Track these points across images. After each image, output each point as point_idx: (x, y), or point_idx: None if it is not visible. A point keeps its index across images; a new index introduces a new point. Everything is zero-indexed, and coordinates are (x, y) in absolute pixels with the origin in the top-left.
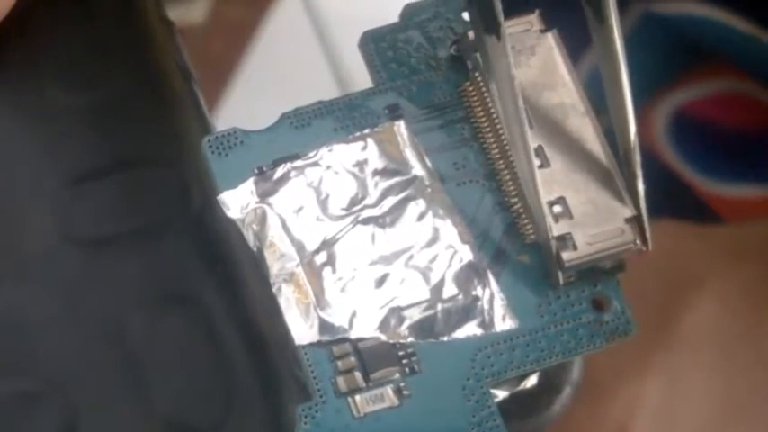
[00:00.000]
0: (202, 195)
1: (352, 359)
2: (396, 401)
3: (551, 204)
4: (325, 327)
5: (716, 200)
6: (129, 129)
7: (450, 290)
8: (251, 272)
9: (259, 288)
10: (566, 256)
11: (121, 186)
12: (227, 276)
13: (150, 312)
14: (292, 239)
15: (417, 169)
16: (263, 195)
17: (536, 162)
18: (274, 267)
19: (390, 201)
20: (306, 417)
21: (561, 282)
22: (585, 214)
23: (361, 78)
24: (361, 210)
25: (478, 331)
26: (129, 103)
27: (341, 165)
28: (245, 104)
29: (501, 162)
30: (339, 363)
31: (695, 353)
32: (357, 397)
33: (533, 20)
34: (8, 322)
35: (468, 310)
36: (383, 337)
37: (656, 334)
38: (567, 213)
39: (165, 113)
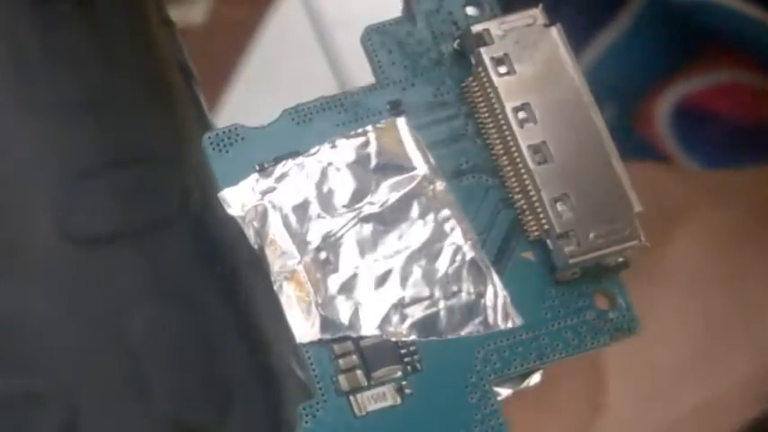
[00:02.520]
0: (202, 194)
1: (354, 357)
2: (398, 400)
3: (555, 200)
4: (326, 325)
5: None
6: (130, 128)
7: (452, 287)
8: (251, 270)
9: (259, 286)
10: (570, 252)
11: (121, 185)
12: (227, 275)
13: (150, 311)
14: (293, 237)
15: (420, 165)
16: (264, 192)
17: (539, 158)
18: (275, 265)
19: (392, 197)
20: (307, 415)
21: (565, 279)
22: (590, 210)
23: (362, 79)
24: (363, 206)
25: (482, 329)
26: (130, 102)
27: (342, 161)
28: (246, 104)
29: (504, 158)
30: (341, 361)
31: (673, 291)
32: (359, 395)
33: (537, 14)
34: (7, 321)
35: (471, 308)
36: (385, 336)
37: (637, 268)
38: (571, 209)
39: (165, 113)
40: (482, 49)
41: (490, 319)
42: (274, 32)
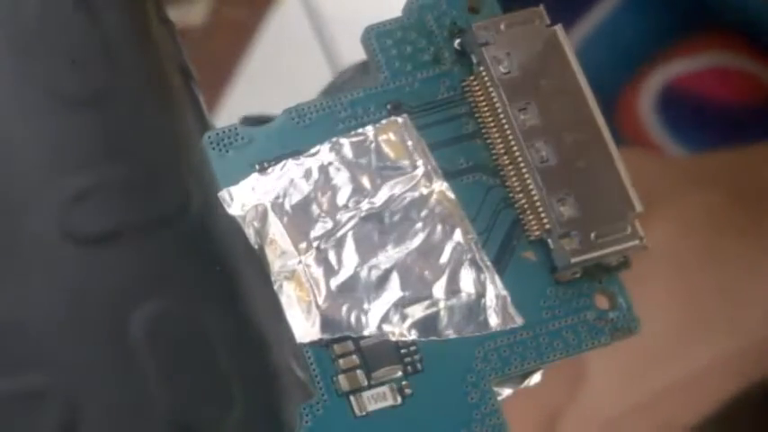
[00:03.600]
0: (202, 195)
1: (354, 357)
2: (398, 400)
3: (557, 200)
4: (326, 325)
5: None
6: (130, 127)
7: (453, 287)
8: (251, 270)
9: (259, 286)
10: (572, 251)
11: (121, 186)
12: (227, 275)
13: (150, 311)
14: (293, 236)
15: (421, 165)
16: (265, 192)
17: (541, 157)
18: (275, 265)
19: (393, 197)
20: (307, 415)
21: (566, 278)
22: (591, 210)
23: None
24: (364, 206)
25: (482, 329)
26: (130, 101)
27: (343, 160)
28: (245, 104)
29: (506, 157)
30: (341, 361)
31: (654, 271)
32: (359, 395)
33: (539, 13)
34: (8, 321)
35: (471, 308)
36: (385, 336)
37: None
38: (573, 209)
39: (165, 112)
40: (484, 48)
41: (490, 319)
42: (274, 32)
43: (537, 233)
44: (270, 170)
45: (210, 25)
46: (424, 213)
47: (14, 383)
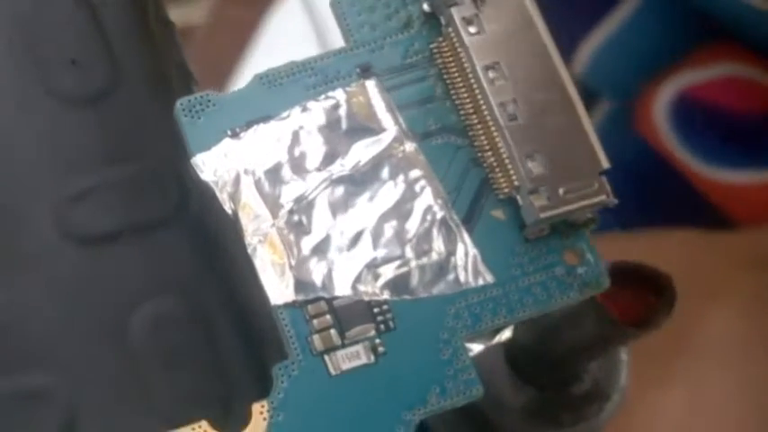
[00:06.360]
0: (201, 192)
1: (328, 317)
2: (371, 358)
3: (526, 157)
4: (300, 286)
5: (717, 187)
6: (129, 128)
7: (424, 246)
8: (249, 268)
9: (256, 282)
10: (540, 207)
11: (121, 184)
12: (227, 274)
13: (150, 310)
14: (266, 200)
15: (390, 127)
16: (236, 157)
17: (509, 115)
18: (249, 228)
19: (363, 159)
20: (283, 375)
21: (534, 235)
22: (559, 167)
23: None
24: (335, 169)
25: (453, 287)
26: (129, 102)
27: (314, 124)
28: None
29: (474, 117)
30: (315, 322)
31: (715, 363)
32: (333, 355)
33: None
34: (8, 321)
35: (442, 266)
36: (358, 295)
37: (677, 343)
38: (541, 166)
39: (164, 112)
40: (453, 9)
41: (461, 277)
42: (274, 32)
43: (506, 191)
44: (241, 135)
45: (210, 25)
46: (394, 174)
47: (14, 383)
